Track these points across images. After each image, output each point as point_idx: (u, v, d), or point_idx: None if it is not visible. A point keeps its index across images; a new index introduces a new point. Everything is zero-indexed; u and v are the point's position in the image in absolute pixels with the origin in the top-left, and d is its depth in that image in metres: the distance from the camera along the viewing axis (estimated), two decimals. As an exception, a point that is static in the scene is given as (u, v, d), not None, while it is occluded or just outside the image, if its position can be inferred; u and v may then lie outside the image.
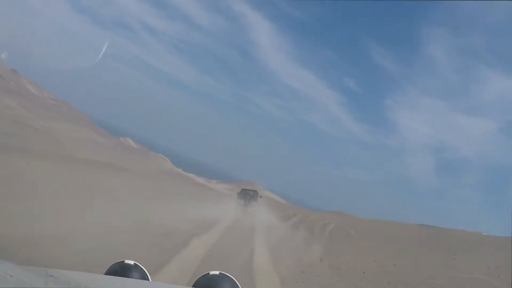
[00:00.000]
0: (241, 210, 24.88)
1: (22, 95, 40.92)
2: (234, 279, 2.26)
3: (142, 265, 2.24)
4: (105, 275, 2.07)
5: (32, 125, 24.63)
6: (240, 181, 75.46)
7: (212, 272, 2.27)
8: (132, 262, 2.22)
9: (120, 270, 2.15)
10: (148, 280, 2.21)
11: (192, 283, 2.27)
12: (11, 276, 1.28)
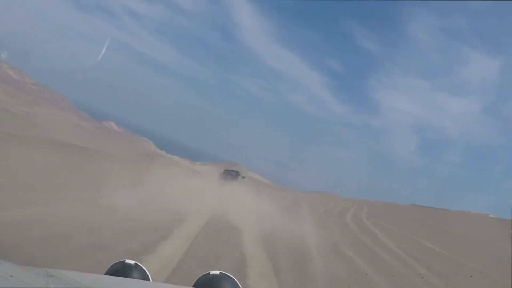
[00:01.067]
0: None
1: (3, 81, 41.23)
2: (234, 278, 2.27)
3: (142, 265, 2.25)
4: (105, 275, 2.09)
5: (11, 110, 25.44)
6: (224, 162, 76.83)
7: (212, 272, 2.27)
8: (132, 262, 2.22)
9: (121, 270, 2.17)
10: (149, 280, 2.23)
11: (193, 283, 2.27)
12: (11, 276, 1.27)
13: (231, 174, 30.05)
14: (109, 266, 2.21)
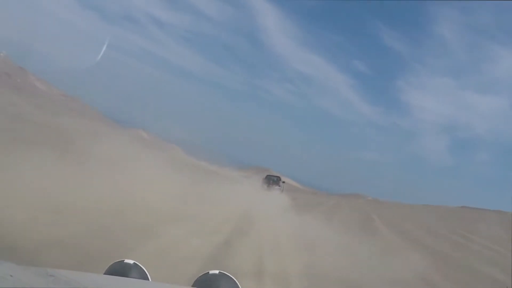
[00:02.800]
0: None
1: (29, 92, 40.88)
2: (233, 278, 2.25)
3: (141, 265, 2.24)
4: (105, 275, 2.09)
5: (35, 120, 24.25)
6: (254, 167, 75.20)
7: (211, 272, 2.27)
8: (131, 262, 2.23)
9: (120, 269, 2.16)
10: (148, 279, 2.21)
11: (192, 282, 2.26)
12: (11, 276, 1.28)
13: (273, 179, 32.38)
14: (108, 266, 2.19)
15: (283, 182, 33.18)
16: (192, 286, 2.22)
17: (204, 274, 2.28)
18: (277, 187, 31.05)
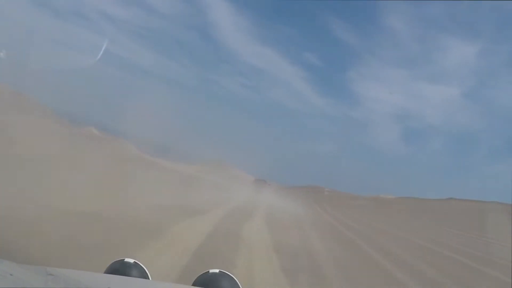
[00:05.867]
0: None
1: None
2: (233, 277, 2.25)
3: (141, 264, 2.25)
4: (105, 274, 2.10)
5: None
6: (209, 161, 76.31)
7: (211, 270, 2.26)
8: (132, 261, 2.22)
9: (120, 268, 2.17)
10: (148, 278, 2.23)
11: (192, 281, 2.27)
12: (10, 275, 1.27)
13: (261, 182, 52.18)
14: (108, 265, 2.19)
15: (270, 184, 51.54)
16: (192, 285, 2.23)
17: (204, 273, 2.28)
18: (267, 187, 48.32)
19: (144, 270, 2.24)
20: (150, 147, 58.59)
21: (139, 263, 2.24)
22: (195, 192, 24.61)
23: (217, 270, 2.26)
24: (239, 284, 2.23)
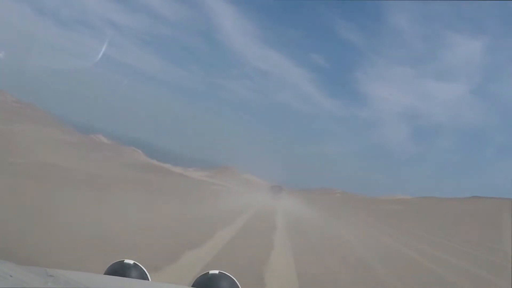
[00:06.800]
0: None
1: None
2: (233, 278, 2.24)
3: (141, 265, 2.24)
4: (104, 275, 2.09)
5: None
6: (218, 167, 75.46)
7: (211, 271, 2.26)
8: (131, 262, 2.21)
9: (120, 269, 2.15)
10: (148, 279, 2.22)
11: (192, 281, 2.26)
12: (11, 276, 1.26)
13: (277, 188, 54.63)
14: (108, 266, 2.18)
15: (284, 190, 55.14)
16: (192, 286, 2.22)
17: (204, 274, 2.27)
18: (283, 192, 52.15)
19: (144, 271, 2.22)
20: (158, 153, 58.05)
21: (138, 264, 2.22)
22: (218, 202, 24.50)
23: (217, 271, 2.26)
24: (239, 285, 2.22)
